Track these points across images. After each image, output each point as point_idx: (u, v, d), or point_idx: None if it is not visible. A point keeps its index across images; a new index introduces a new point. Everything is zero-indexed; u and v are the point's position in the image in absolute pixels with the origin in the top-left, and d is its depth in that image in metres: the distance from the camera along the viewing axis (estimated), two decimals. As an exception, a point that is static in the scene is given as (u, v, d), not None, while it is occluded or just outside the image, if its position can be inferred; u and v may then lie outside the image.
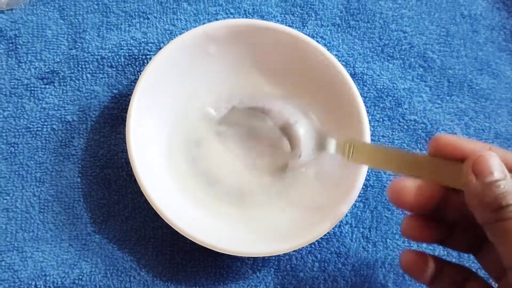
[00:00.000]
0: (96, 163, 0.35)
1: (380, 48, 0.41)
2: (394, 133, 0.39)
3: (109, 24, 0.38)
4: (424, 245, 0.36)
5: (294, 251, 0.35)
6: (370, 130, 0.38)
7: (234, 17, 0.40)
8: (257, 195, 0.35)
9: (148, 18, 0.38)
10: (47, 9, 0.37)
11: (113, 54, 0.37)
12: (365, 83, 0.40)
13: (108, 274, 0.33)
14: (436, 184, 0.27)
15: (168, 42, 0.35)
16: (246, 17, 0.40)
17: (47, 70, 0.36)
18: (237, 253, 0.32)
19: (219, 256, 0.34)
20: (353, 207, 0.37)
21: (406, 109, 0.39)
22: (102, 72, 0.37)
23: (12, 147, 0.35)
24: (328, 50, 0.36)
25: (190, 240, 0.31)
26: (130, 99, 0.33)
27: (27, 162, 0.35)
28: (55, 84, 0.36)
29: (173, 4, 0.39)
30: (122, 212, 0.35)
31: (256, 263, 0.35)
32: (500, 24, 0.43)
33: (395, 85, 0.40)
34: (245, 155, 0.35)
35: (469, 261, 0.36)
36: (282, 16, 0.40)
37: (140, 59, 0.37)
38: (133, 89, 0.33)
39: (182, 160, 0.35)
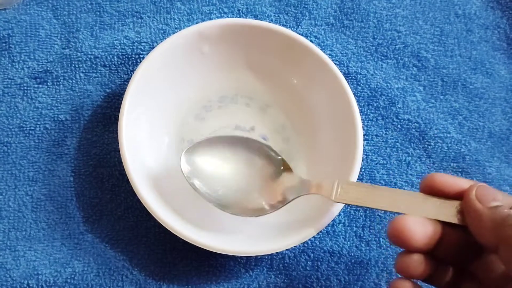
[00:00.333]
0: (89, 162, 0.35)
1: (374, 47, 0.41)
2: (387, 132, 0.39)
3: (102, 23, 0.38)
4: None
5: (287, 250, 0.35)
6: (364, 129, 0.38)
7: (227, 17, 0.40)
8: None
9: (141, 18, 0.38)
10: (40, 9, 0.37)
11: (106, 53, 0.37)
12: (359, 83, 0.40)
13: (100, 273, 0.33)
14: (435, 221, 0.27)
15: (161, 42, 0.35)
16: (240, 17, 0.40)
17: (40, 70, 0.36)
18: (230, 252, 0.32)
19: (211, 255, 0.34)
20: (346, 206, 0.37)
21: (399, 108, 0.39)
22: (95, 71, 0.37)
23: (5, 146, 0.35)
24: (322, 49, 0.36)
25: (183, 240, 0.31)
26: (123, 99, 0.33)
27: (20, 161, 0.35)
28: (48, 83, 0.36)
29: (167, 3, 0.39)
30: (114, 211, 0.35)
31: (249, 262, 0.35)
32: (494, 24, 0.43)
33: (389, 84, 0.40)
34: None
35: None
36: (276, 15, 0.40)
37: (133, 58, 0.37)
38: (126, 88, 0.33)
39: (174, 159, 0.35)
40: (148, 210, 0.31)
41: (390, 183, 0.38)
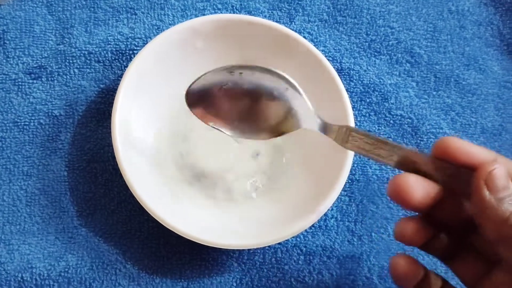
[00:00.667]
0: (82, 157, 0.35)
1: (367, 43, 0.41)
2: (380, 128, 0.39)
3: (96, 19, 0.38)
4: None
5: (279, 244, 0.35)
6: (356, 124, 0.38)
7: (221, 13, 0.40)
8: (243, 189, 0.36)
9: (135, 14, 0.39)
10: (35, 5, 0.38)
11: (100, 49, 0.37)
12: (352, 78, 0.40)
13: (94, 267, 0.33)
14: (436, 183, 0.26)
15: (155, 37, 0.35)
16: (234, 13, 0.40)
17: (34, 65, 0.36)
18: (223, 245, 0.32)
19: (204, 249, 0.34)
20: (339, 201, 0.37)
21: (392, 104, 0.40)
22: (89, 67, 0.37)
23: (0, 141, 0.35)
24: (315, 45, 0.37)
25: (176, 233, 0.32)
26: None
27: (14, 156, 0.35)
28: (42, 79, 0.36)
29: (161, -1, 0.39)
30: (108, 205, 0.35)
31: (242, 256, 0.35)
32: (487, 20, 0.43)
33: (381, 80, 0.40)
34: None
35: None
36: (270, 11, 0.41)
37: (127, 54, 0.37)
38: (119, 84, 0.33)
39: (168, 154, 0.36)
40: (141, 204, 0.32)
41: (383, 178, 0.38)
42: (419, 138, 0.39)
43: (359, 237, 0.36)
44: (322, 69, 0.36)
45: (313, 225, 0.36)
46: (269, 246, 0.35)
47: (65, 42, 0.37)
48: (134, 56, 0.37)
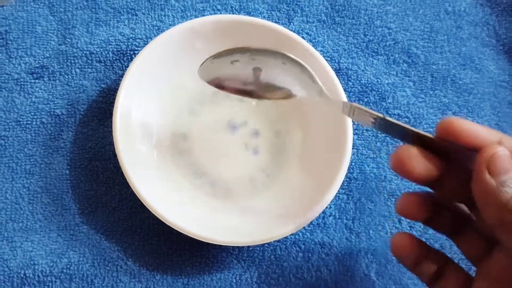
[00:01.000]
0: (84, 156, 0.36)
1: (364, 44, 0.42)
2: (378, 127, 0.40)
3: (98, 20, 0.39)
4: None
5: (278, 241, 0.36)
6: (354, 124, 0.38)
7: (220, 13, 0.40)
8: (242, 187, 0.36)
9: (136, 14, 0.39)
10: (37, 6, 0.38)
11: (101, 49, 0.38)
12: (350, 78, 0.40)
13: (95, 264, 0.34)
14: (441, 159, 0.26)
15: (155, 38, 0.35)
16: (233, 14, 0.41)
17: (37, 65, 0.37)
18: (222, 242, 0.32)
19: (204, 246, 0.35)
20: (337, 198, 0.37)
21: (390, 103, 0.40)
22: (90, 67, 0.37)
23: (2, 140, 0.35)
24: (313, 46, 0.37)
25: (176, 231, 0.32)
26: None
27: (17, 154, 0.35)
28: (44, 78, 0.37)
29: (161, 0, 0.40)
30: (109, 203, 0.35)
31: (241, 253, 0.35)
32: (484, 20, 0.44)
33: (379, 80, 0.41)
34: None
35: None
36: (268, 12, 0.41)
37: (128, 54, 0.38)
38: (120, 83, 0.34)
39: (169, 152, 0.36)
40: (142, 201, 0.32)
41: (380, 176, 0.38)
42: (416, 137, 0.40)
43: (357, 235, 0.37)
44: (321, 69, 0.36)
45: (311, 223, 0.36)
46: (268, 243, 0.36)
47: (66, 42, 0.38)
48: (134, 56, 0.37)
